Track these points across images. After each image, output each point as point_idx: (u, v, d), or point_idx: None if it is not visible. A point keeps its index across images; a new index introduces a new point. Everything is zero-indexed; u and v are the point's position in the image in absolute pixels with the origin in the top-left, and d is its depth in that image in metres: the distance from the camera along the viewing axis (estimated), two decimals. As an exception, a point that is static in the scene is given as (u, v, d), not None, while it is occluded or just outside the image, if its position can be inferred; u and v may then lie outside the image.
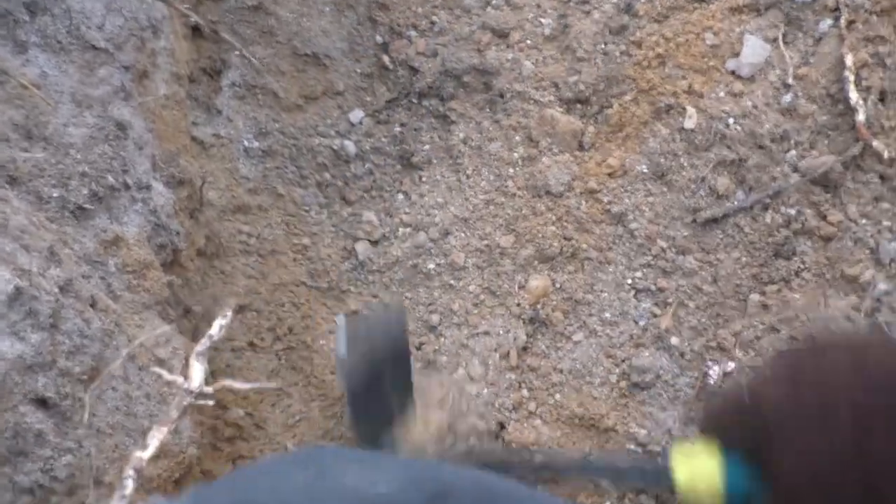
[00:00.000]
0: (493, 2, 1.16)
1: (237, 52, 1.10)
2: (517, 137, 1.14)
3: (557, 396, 1.09)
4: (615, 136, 1.10)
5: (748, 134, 1.02)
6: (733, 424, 0.60)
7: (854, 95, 0.98)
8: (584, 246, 1.09)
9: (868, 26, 1.01)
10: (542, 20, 1.14)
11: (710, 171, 1.04)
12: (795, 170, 1.00)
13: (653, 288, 1.06)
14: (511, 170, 1.14)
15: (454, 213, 1.15)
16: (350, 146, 1.19)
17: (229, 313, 0.74)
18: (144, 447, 0.66)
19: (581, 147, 1.12)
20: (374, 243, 1.17)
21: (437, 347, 1.13)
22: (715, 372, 1.00)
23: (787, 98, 1.02)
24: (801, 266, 0.99)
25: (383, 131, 1.19)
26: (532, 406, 1.09)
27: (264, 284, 1.11)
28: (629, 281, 1.06)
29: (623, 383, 1.07)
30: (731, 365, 1.00)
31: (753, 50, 1.05)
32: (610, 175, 1.09)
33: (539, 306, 1.10)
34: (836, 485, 0.49)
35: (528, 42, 1.13)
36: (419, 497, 0.38)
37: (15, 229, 0.69)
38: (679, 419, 1.03)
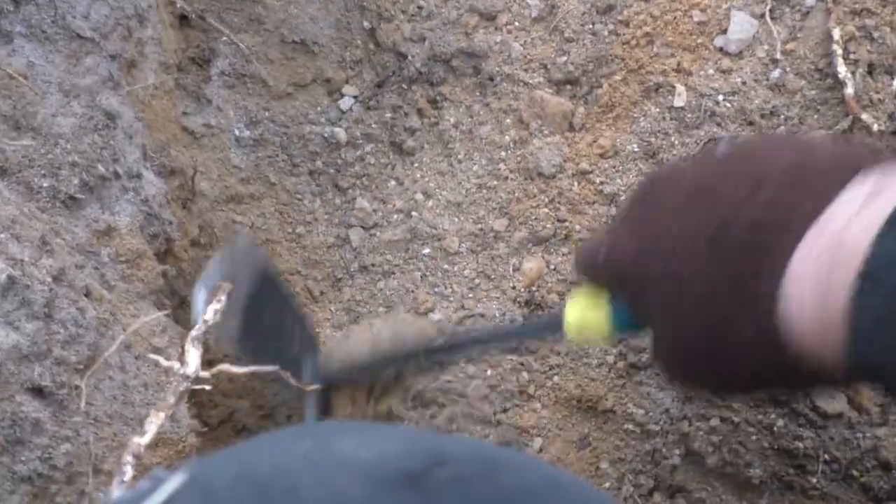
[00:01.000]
0: (481, -15, 1.16)
1: (225, 41, 1.10)
2: (508, 120, 1.13)
3: (556, 378, 1.09)
4: (605, 117, 1.10)
5: (738, 111, 1.03)
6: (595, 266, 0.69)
7: (842, 69, 0.98)
8: (578, 227, 1.09)
9: (854, -1, 1.01)
10: (529, 2, 1.14)
11: (700, 149, 1.04)
12: (786, 145, 1.00)
13: (647, 266, 1.06)
14: (503, 153, 1.13)
15: (447, 198, 1.15)
16: (341, 133, 1.19)
17: (223, 298, 0.74)
18: (142, 433, 0.66)
19: (572, 128, 1.12)
20: (368, 229, 1.17)
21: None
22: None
23: (776, 74, 1.02)
24: (794, 241, 0.99)
25: (374, 118, 1.19)
26: (532, 389, 1.09)
27: (259, 274, 1.11)
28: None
29: (620, 364, 1.07)
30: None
31: (741, 26, 1.05)
32: (601, 156, 1.09)
33: (534, 288, 1.10)
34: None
35: (516, 24, 1.13)
36: (419, 462, 0.38)
37: (6, 219, 0.69)
38: (677, 398, 1.03)
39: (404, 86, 1.18)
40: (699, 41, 1.07)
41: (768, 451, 0.93)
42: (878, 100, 1.00)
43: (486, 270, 1.12)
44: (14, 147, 0.73)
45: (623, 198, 1.07)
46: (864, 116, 0.98)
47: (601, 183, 1.08)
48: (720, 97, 1.03)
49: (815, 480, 0.90)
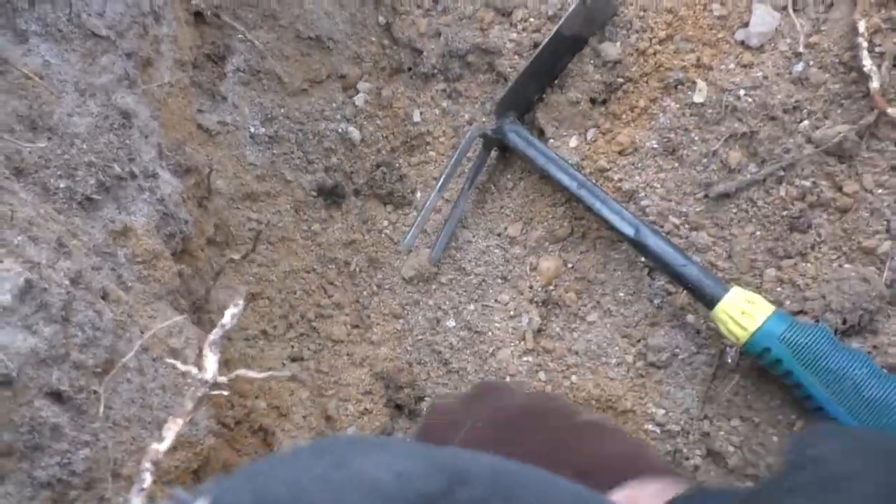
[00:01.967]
0: (496, -20, 1.14)
1: (240, 37, 1.08)
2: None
3: (574, 378, 1.08)
4: (624, 114, 1.08)
5: (759, 105, 1.01)
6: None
7: (867, 62, 0.96)
8: (595, 225, 1.08)
9: (880, -9, 0.99)
10: (547, -3, 1.12)
11: (721, 145, 1.02)
12: (809, 140, 0.98)
13: (667, 265, 1.04)
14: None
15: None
16: (355, 130, 1.18)
17: (241, 302, 0.73)
18: (161, 439, 0.65)
19: (590, 125, 1.10)
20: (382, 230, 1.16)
21: (451, 342, 1.12)
22: (733, 348, 0.99)
23: (799, 67, 1.00)
24: (818, 239, 0.98)
25: (389, 114, 1.18)
26: (549, 389, 1.08)
27: (275, 272, 1.10)
28: (643, 259, 1.04)
29: (639, 363, 1.05)
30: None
31: (762, 19, 1.03)
32: (620, 153, 1.07)
33: (552, 287, 1.09)
34: None
35: (532, 21, 1.11)
36: (439, 483, 0.38)
37: (22, 221, 0.68)
38: (697, 398, 1.02)
39: (420, 82, 1.17)
40: (720, 35, 1.05)
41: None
42: (904, 94, 0.98)
43: (503, 271, 1.11)
44: (30, 148, 0.72)
45: (641, 195, 1.05)
46: (890, 111, 0.96)
47: (620, 180, 1.06)
48: (741, 92, 1.01)
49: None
